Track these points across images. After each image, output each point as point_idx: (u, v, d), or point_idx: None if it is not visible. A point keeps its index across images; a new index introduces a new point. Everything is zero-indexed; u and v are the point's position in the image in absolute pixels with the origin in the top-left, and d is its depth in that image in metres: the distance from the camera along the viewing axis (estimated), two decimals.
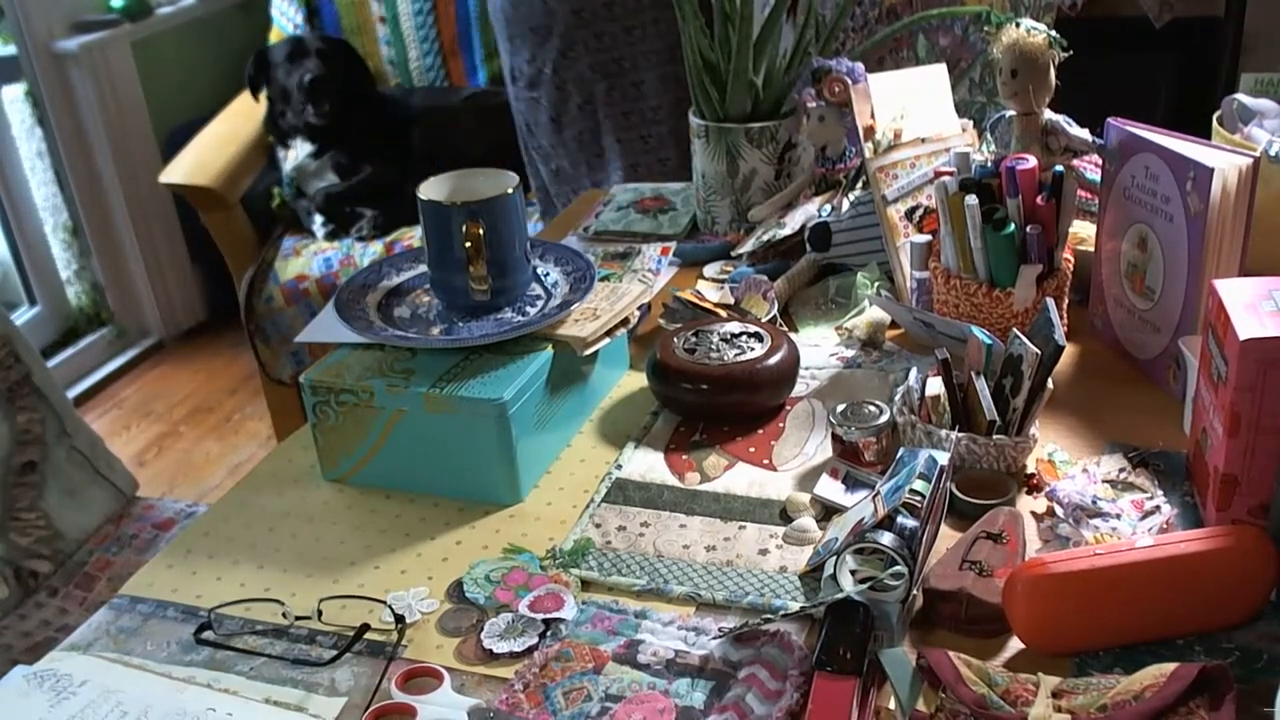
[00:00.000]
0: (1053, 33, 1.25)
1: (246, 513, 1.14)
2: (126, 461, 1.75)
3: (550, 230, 1.76)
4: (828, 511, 1.06)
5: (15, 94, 3.12)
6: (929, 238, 1.30)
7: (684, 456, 1.16)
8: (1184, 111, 2.57)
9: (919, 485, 0.95)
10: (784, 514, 1.06)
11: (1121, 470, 1.06)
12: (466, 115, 2.82)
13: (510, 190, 1.17)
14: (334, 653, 0.94)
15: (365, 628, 0.96)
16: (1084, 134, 1.27)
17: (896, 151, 1.38)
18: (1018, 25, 1.25)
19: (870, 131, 1.38)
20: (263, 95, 2.84)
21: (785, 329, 1.32)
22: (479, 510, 1.11)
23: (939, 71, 1.44)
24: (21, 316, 3.17)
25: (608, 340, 1.20)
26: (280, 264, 2.66)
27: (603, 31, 2.19)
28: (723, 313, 1.35)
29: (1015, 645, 0.89)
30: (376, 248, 2.64)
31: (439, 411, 1.09)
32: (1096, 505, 1.00)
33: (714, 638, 0.92)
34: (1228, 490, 0.94)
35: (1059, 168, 1.21)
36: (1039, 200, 1.21)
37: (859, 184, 1.48)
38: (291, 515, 1.13)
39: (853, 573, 0.93)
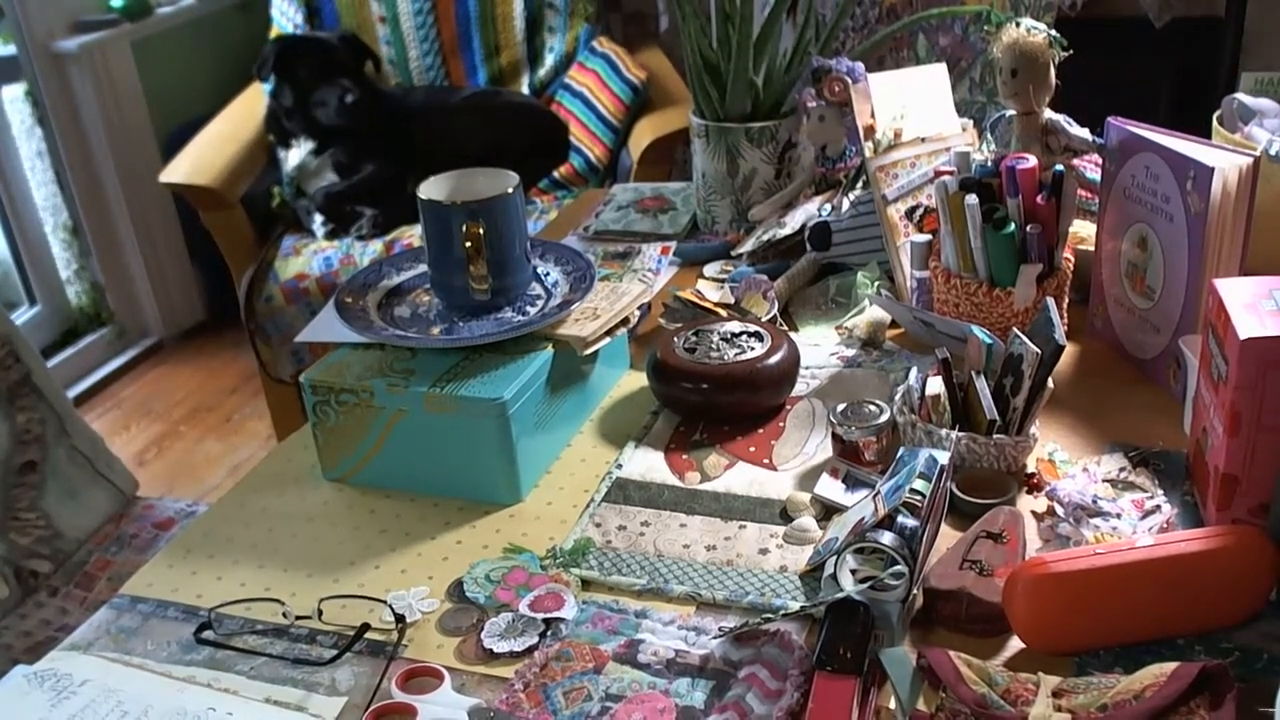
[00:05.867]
0: (1053, 32, 1.25)
1: (246, 513, 1.14)
2: (126, 461, 1.75)
3: (550, 230, 1.76)
4: (828, 511, 1.06)
5: (15, 94, 3.12)
6: (929, 237, 1.30)
7: (684, 456, 1.16)
8: (1184, 111, 2.57)
9: (919, 485, 0.95)
10: (784, 513, 1.06)
11: (1122, 470, 1.06)
12: (466, 115, 2.82)
13: (510, 190, 1.17)
14: (334, 652, 0.94)
15: (365, 627, 0.96)
16: (1084, 133, 1.27)
17: (896, 151, 1.38)
18: (1018, 25, 1.25)
19: (870, 131, 1.38)
20: (265, 86, 2.84)
21: (785, 328, 1.32)
22: (479, 510, 1.11)
23: (939, 71, 1.44)
24: (21, 316, 3.17)
25: (608, 340, 1.20)
26: (280, 263, 2.66)
27: None
28: (723, 312, 1.35)
29: (1015, 645, 0.89)
30: (376, 247, 2.64)
31: (439, 411, 1.09)
32: (1097, 505, 1.00)
33: (714, 637, 0.92)
34: (1228, 490, 0.94)
35: (1059, 167, 1.21)
36: (1039, 200, 1.21)
37: (859, 183, 1.48)
38: (291, 515, 1.13)
39: (853, 572, 0.93)
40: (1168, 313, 1.18)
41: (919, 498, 0.94)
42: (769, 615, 0.91)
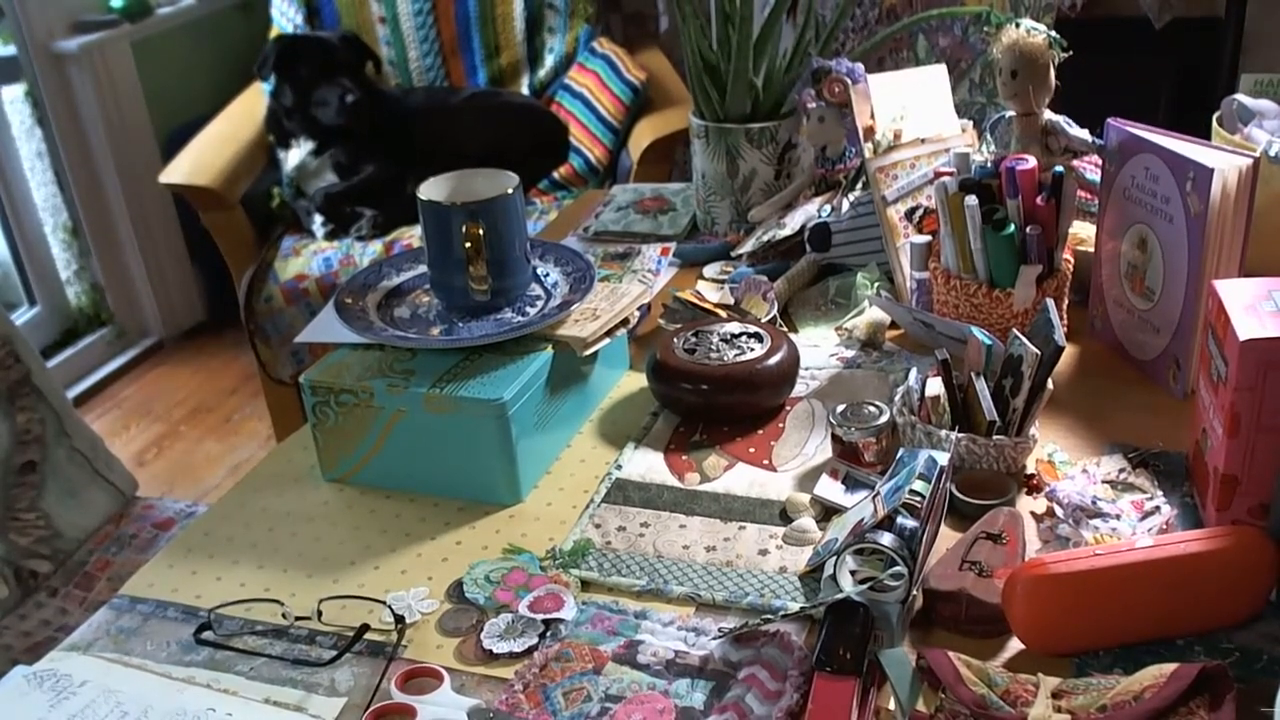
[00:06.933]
0: (1052, 33, 1.25)
1: (246, 513, 1.14)
2: (126, 461, 1.75)
3: (550, 230, 1.76)
4: (827, 512, 1.06)
5: (15, 94, 3.12)
6: (929, 238, 1.30)
7: (684, 457, 1.16)
8: (1184, 112, 2.57)
9: (919, 486, 0.95)
10: (784, 514, 1.06)
11: (1121, 471, 1.06)
12: (466, 115, 2.82)
13: (510, 190, 1.17)
14: (334, 653, 0.94)
15: (365, 628, 0.96)
16: (1084, 134, 1.27)
17: (896, 152, 1.38)
18: (1017, 26, 1.25)
19: (870, 132, 1.38)
20: (264, 85, 2.84)
21: (785, 329, 1.32)
22: (479, 510, 1.11)
23: (939, 72, 1.44)
24: (21, 316, 3.17)
25: (608, 340, 1.20)
26: (280, 264, 2.66)
27: None
28: (723, 313, 1.35)
29: (1015, 645, 0.89)
30: (376, 247, 2.64)
31: (439, 411, 1.09)
32: (1096, 506, 1.00)
33: (714, 638, 0.92)
34: (1228, 490, 0.94)
35: (1059, 168, 1.21)
36: (1039, 201, 1.21)
37: (859, 184, 1.48)
38: (291, 515, 1.13)
39: (853, 573, 0.93)
40: (1167, 314, 1.18)
41: (918, 499, 0.94)
42: (768, 616, 0.91)
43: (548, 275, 1.27)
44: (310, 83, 2.72)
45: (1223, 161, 1.10)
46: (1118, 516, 0.99)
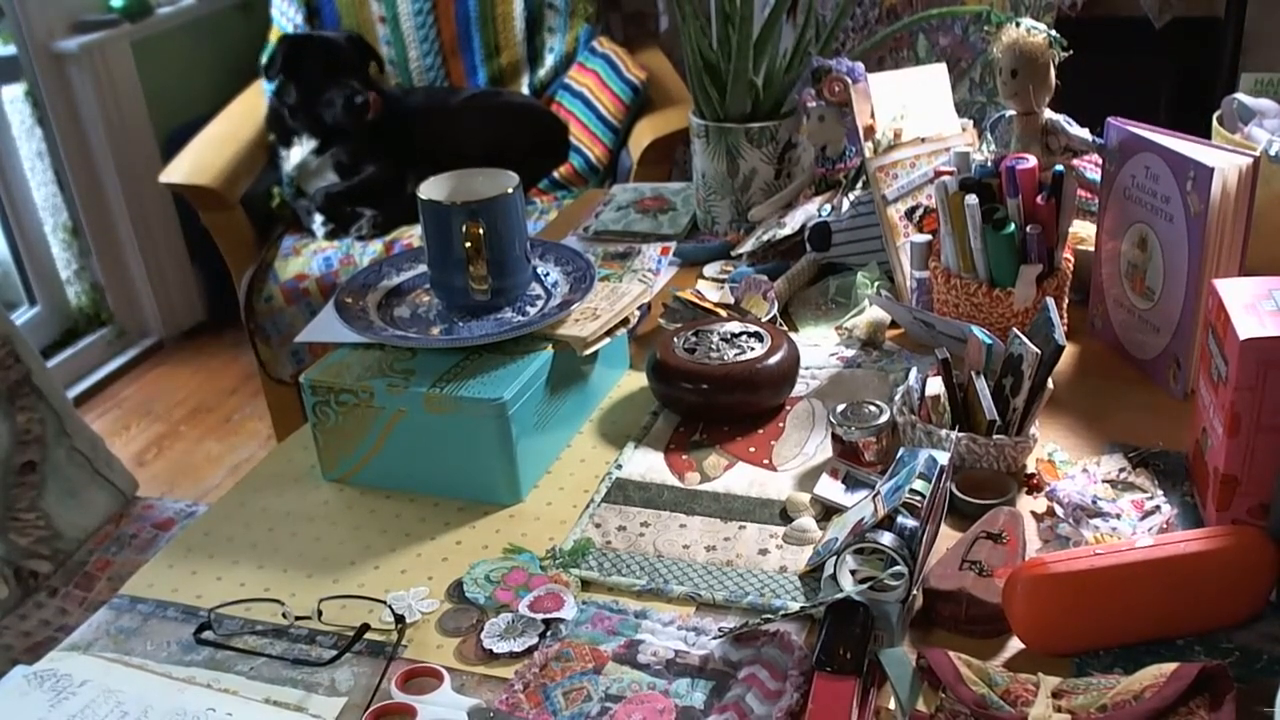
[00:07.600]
0: (1053, 32, 1.25)
1: (246, 513, 1.14)
2: (126, 461, 1.75)
3: (550, 230, 1.76)
4: (828, 511, 1.06)
5: (15, 94, 3.12)
6: (929, 237, 1.30)
7: (684, 456, 1.16)
8: (1184, 111, 2.57)
9: (919, 485, 0.95)
10: (784, 514, 1.06)
11: (1121, 470, 1.06)
12: (466, 115, 2.82)
13: (510, 190, 1.17)
14: (334, 653, 0.94)
15: (365, 628, 0.96)
16: (1084, 134, 1.27)
17: (896, 151, 1.38)
18: (1018, 25, 1.25)
19: (870, 131, 1.38)
20: (266, 84, 2.84)
21: (785, 329, 1.32)
22: (479, 510, 1.11)
23: (939, 71, 1.44)
24: (21, 316, 3.17)
25: (608, 340, 1.20)
26: (280, 263, 2.66)
27: None
28: (723, 312, 1.35)
29: (1015, 645, 0.89)
30: (376, 247, 2.64)
31: (439, 411, 1.09)
32: (1096, 505, 1.00)
33: (714, 638, 0.92)
34: (1228, 490, 0.94)
35: (1059, 167, 1.21)
36: (1039, 200, 1.21)
37: (859, 184, 1.48)
38: (291, 515, 1.13)
39: (853, 573, 0.93)
40: (1168, 313, 1.18)
41: (919, 498, 0.94)
42: (769, 616, 0.91)
43: (548, 275, 1.27)
44: (317, 83, 2.71)
45: (1223, 161, 1.10)
46: (1118, 516, 0.99)
